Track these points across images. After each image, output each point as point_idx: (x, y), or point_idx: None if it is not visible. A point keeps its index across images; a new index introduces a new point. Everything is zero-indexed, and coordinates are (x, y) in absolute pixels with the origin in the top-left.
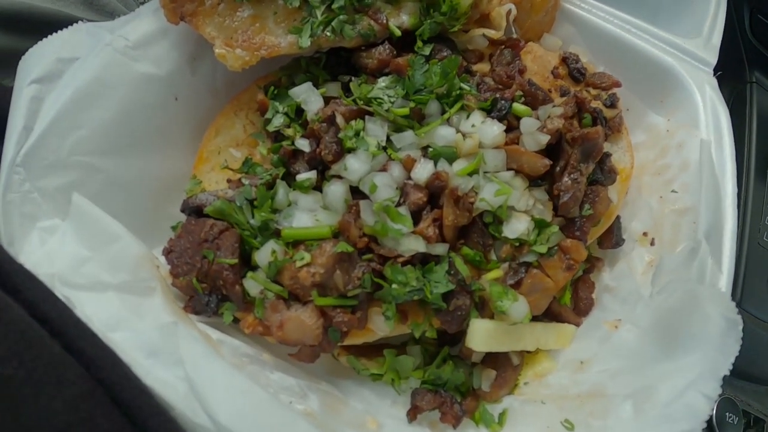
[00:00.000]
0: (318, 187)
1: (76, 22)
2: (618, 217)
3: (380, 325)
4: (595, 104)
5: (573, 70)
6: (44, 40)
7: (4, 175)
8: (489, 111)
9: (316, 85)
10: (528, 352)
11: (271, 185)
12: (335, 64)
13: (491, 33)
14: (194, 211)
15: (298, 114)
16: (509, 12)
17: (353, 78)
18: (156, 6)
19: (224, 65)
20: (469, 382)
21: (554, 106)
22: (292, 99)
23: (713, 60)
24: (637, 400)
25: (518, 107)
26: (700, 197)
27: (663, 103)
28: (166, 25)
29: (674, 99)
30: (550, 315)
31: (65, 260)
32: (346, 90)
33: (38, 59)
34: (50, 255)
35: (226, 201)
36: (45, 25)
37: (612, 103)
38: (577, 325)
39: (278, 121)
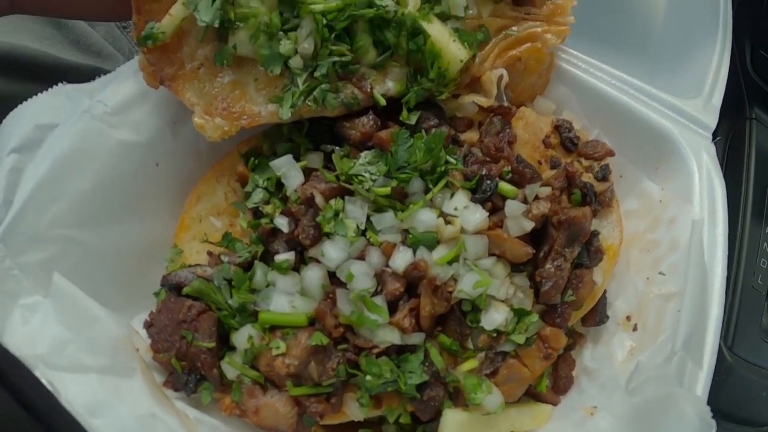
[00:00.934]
0: (297, 268)
1: (64, 68)
2: (604, 293)
3: (354, 411)
4: (587, 177)
5: (565, 140)
6: (23, 104)
7: None
8: (474, 191)
9: (298, 155)
10: None
11: (249, 263)
12: (318, 132)
13: (481, 101)
14: (173, 288)
15: (278, 186)
16: (500, 78)
17: (336, 148)
18: (136, 67)
19: None
20: None
21: (542, 185)
22: (272, 171)
23: (713, 123)
24: None
25: (504, 187)
26: (686, 285)
27: (658, 170)
28: (146, 88)
29: (670, 167)
30: (527, 393)
31: (48, 341)
32: (329, 159)
33: (17, 126)
34: (33, 336)
35: (205, 281)
36: (33, 68)
37: (604, 176)
38: (555, 404)
39: (257, 197)
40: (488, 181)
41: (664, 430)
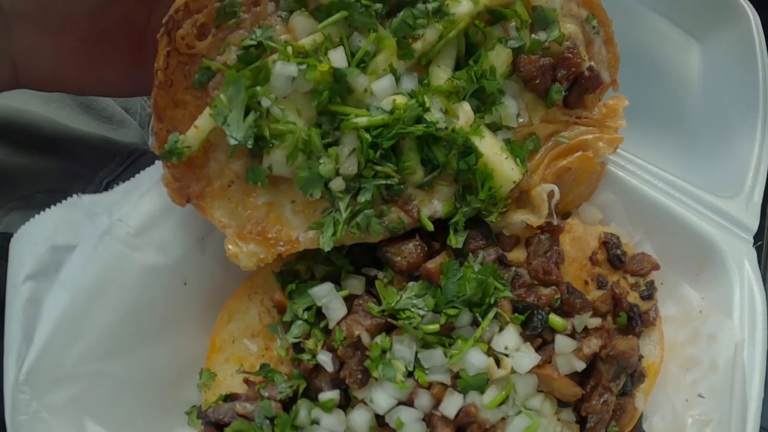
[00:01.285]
0: (341, 405)
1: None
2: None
3: None
4: (632, 296)
5: (613, 257)
6: (35, 219)
7: (10, 397)
8: (524, 324)
9: (338, 279)
10: None
11: (291, 399)
12: (359, 252)
13: (531, 220)
14: (215, 426)
15: (318, 314)
16: (551, 193)
17: (379, 273)
18: (157, 177)
19: None
20: None
21: (592, 316)
22: (310, 299)
23: (755, 224)
24: None
25: (554, 321)
26: (728, 412)
27: (699, 277)
28: (170, 203)
29: (710, 274)
30: None
31: None
32: (371, 283)
33: (30, 247)
34: None
35: (245, 420)
36: (39, 137)
37: (650, 295)
38: None
39: (297, 330)
40: (539, 315)
41: None
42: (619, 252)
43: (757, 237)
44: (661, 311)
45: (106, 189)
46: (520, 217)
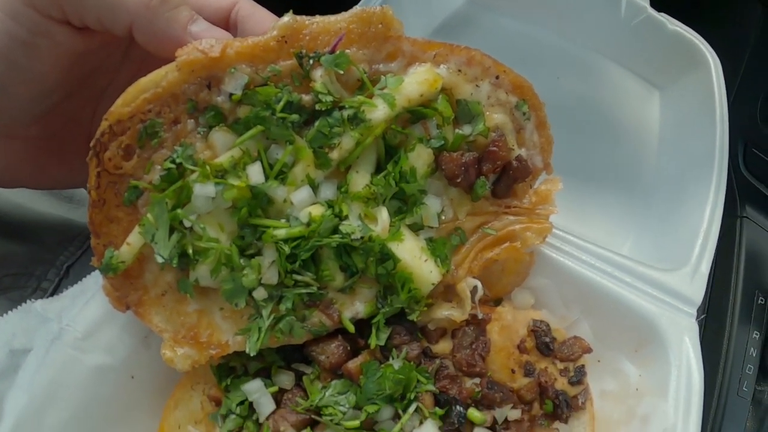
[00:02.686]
0: None
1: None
2: None
3: None
4: (561, 382)
5: (541, 345)
6: None
7: None
8: (443, 417)
9: (269, 373)
10: None
11: None
12: (290, 349)
13: (455, 316)
14: None
15: (251, 408)
16: (475, 289)
17: (306, 369)
18: (100, 282)
19: None
20: None
21: (513, 407)
22: (243, 395)
23: (699, 297)
24: None
25: (473, 415)
26: None
27: (637, 353)
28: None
29: (649, 351)
30: None
31: None
32: (300, 378)
33: None
34: None
35: None
36: (6, 223)
37: (578, 380)
38: None
39: (231, 423)
40: (458, 409)
41: None
42: (547, 340)
43: (703, 309)
44: (598, 387)
45: (66, 273)
46: (443, 313)
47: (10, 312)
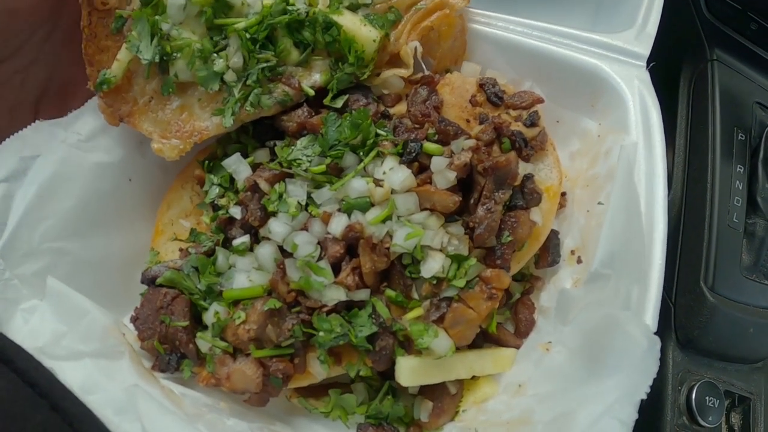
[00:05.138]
0: (252, 249)
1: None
2: (556, 234)
3: (317, 369)
4: (516, 126)
5: (490, 95)
6: (6, 141)
7: None
8: (401, 154)
9: (246, 154)
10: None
11: (212, 252)
12: (262, 131)
13: (401, 72)
14: (151, 281)
15: (232, 182)
16: (415, 49)
17: (277, 142)
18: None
19: None
20: (410, 413)
21: (467, 138)
22: (224, 170)
23: (645, 51)
24: (555, 428)
25: (429, 146)
26: (623, 208)
27: (594, 108)
28: None
29: (604, 102)
30: (490, 339)
31: (46, 335)
32: (274, 153)
33: (3, 160)
34: (33, 332)
35: (176, 270)
36: None
37: (532, 122)
38: (517, 347)
39: (213, 193)
40: (413, 143)
41: (612, 352)
42: (496, 90)
43: (650, 61)
44: (566, 150)
45: None
46: (391, 72)
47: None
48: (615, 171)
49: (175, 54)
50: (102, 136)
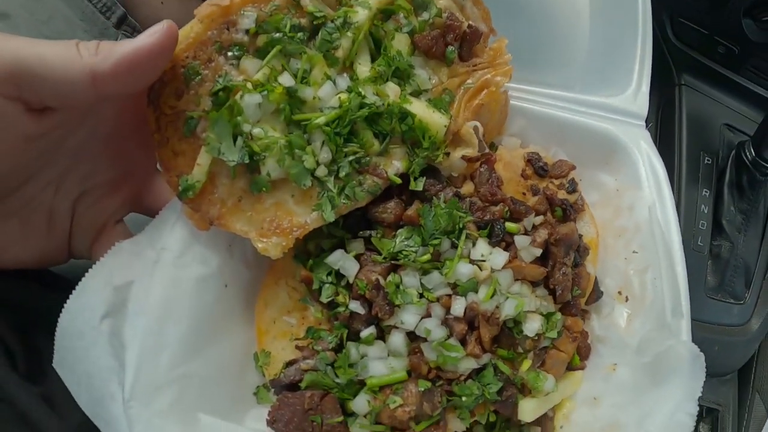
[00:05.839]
0: (378, 337)
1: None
2: (595, 278)
3: (458, 425)
4: (561, 194)
5: (538, 169)
6: (88, 275)
7: (123, 415)
8: (489, 235)
9: (342, 246)
10: None
11: (338, 346)
12: (353, 223)
13: (469, 152)
14: (289, 387)
15: (337, 277)
16: (476, 128)
17: (371, 233)
18: (178, 209)
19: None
20: None
21: (535, 216)
22: (329, 266)
23: (644, 111)
24: (643, 425)
25: (510, 226)
26: (656, 256)
27: (609, 165)
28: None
29: (617, 160)
30: None
31: None
32: (367, 243)
33: (96, 294)
34: None
35: (312, 372)
36: None
37: (573, 189)
38: (583, 369)
39: (329, 291)
40: (498, 226)
41: (669, 371)
42: (541, 164)
43: (648, 120)
44: (586, 199)
45: None
46: (460, 153)
47: (101, 258)
48: (641, 225)
49: (263, 153)
50: (193, 247)
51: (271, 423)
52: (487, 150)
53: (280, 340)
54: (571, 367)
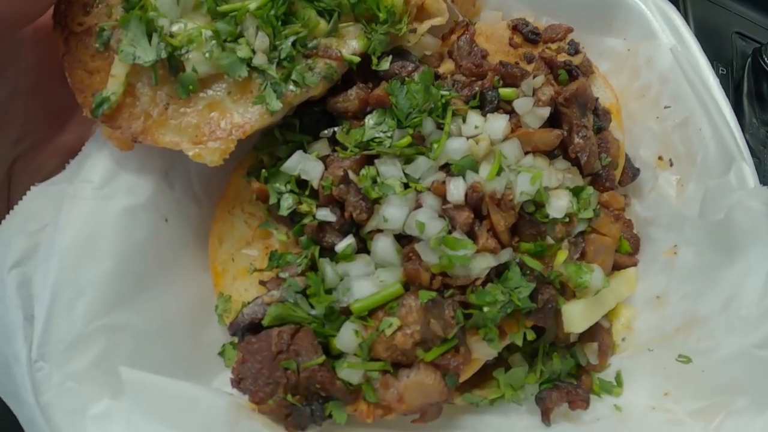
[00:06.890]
0: (360, 251)
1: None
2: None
3: (485, 351)
4: (562, 57)
5: (527, 34)
6: (4, 222)
7: (27, 381)
8: (481, 107)
9: (303, 150)
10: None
11: (310, 268)
12: (311, 123)
13: (437, 21)
14: (250, 328)
15: (300, 186)
16: None
17: (335, 129)
18: (102, 139)
19: (197, 168)
20: (572, 363)
21: (534, 77)
22: (287, 174)
23: None
24: (731, 312)
25: (505, 92)
26: (694, 101)
27: (612, 26)
28: (123, 153)
29: (620, 18)
30: None
31: None
32: (333, 143)
33: (6, 243)
34: None
35: (279, 303)
36: None
37: (576, 50)
38: (635, 264)
39: (288, 201)
40: (490, 92)
41: (741, 232)
42: (531, 28)
43: None
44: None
45: None
46: (428, 24)
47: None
48: (667, 74)
49: (185, 48)
50: (119, 176)
51: (236, 383)
52: (462, 19)
53: (241, 280)
54: (618, 265)
